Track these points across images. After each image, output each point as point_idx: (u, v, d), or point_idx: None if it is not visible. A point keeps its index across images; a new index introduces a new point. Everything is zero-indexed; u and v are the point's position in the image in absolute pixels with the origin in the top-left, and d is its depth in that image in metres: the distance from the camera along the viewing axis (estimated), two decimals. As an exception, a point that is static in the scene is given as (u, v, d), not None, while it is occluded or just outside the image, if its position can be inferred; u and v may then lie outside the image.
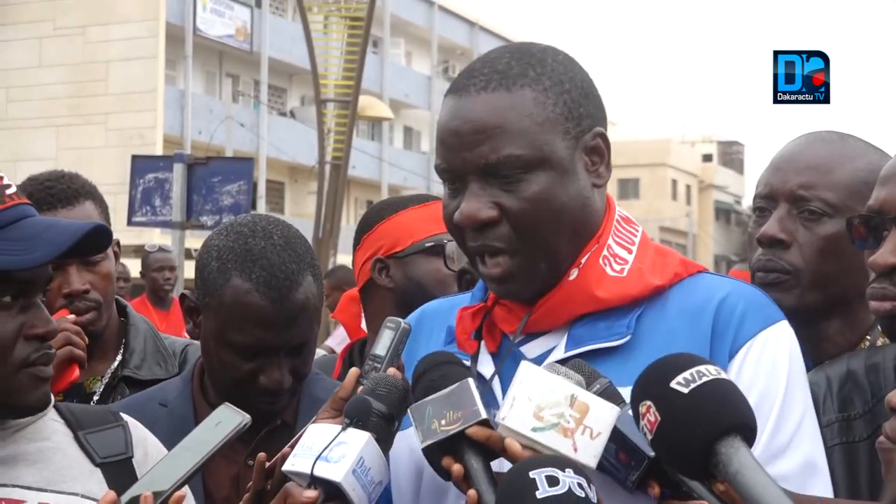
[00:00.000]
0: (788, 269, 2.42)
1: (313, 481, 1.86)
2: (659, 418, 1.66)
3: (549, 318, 2.01)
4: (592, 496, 1.69)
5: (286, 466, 1.92)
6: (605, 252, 2.00)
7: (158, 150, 28.88)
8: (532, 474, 1.68)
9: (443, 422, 1.83)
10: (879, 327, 2.47)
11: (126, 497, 1.93)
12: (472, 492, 1.78)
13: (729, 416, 1.64)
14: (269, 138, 36.03)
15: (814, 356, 2.44)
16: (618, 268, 2.00)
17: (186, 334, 8.09)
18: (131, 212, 11.73)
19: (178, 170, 11.45)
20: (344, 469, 1.84)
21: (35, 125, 31.01)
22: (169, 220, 11.62)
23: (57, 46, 31.55)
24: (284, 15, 40.21)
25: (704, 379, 1.66)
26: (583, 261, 1.99)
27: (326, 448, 1.86)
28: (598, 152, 2.01)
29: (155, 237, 21.61)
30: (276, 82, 39.56)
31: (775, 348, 1.95)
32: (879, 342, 2.44)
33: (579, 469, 1.71)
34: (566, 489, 1.67)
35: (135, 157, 12.66)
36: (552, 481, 1.67)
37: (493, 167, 1.94)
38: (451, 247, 3.11)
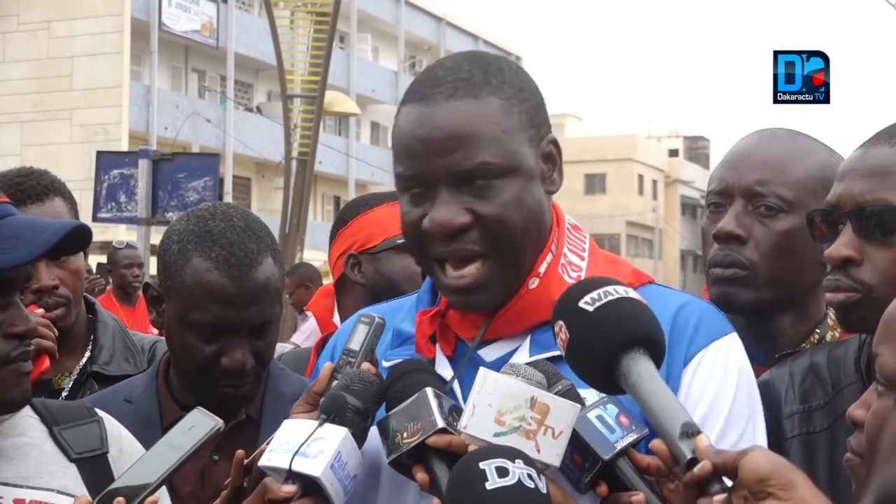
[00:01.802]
0: (745, 265, 2.46)
1: (291, 476, 1.88)
2: (568, 336, 1.74)
3: (508, 326, 2.02)
4: (542, 487, 1.72)
5: (262, 462, 1.94)
6: (562, 260, 2.03)
7: (124, 146, 28.74)
8: (482, 465, 1.71)
9: (405, 434, 1.85)
10: (829, 320, 2.53)
11: (97, 500, 1.95)
12: (435, 501, 1.81)
13: (629, 330, 1.72)
14: (235, 134, 35.91)
15: (767, 350, 2.49)
16: (574, 275, 2.02)
17: (151, 327, 8.10)
18: (96, 208, 11.69)
19: (144, 166, 11.43)
20: (322, 464, 1.86)
21: (-1, 121, 30.80)
22: (134, 216, 11.60)
23: (21, 42, 31.33)
24: (250, 10, 40.06)
25: (609, 298, 1.74)
26: (541, 269, 2.01)
27: (304, 443, 1.88)
28: (552, 159, 2.04)
29: (120, 233, 21.50)
30: (242, 78, 39.41)
31: (726, 358, 2.01)
32: (828, 335, 2.50)
33: (530, 460, 1.74)
34: (515, 480, 1.70)
35: (100, 153, 12.62)
36: (502, 472, 1.70)
37: (466, 174, 1.94)
38: None
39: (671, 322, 1.99)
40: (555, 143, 2.04)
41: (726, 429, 1.96)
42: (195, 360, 2.56)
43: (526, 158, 1.97)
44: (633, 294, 1.77)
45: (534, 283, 2.01)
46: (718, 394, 1.97)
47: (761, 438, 2.02)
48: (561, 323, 1.76)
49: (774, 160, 2.48)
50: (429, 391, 1.88)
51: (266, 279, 2.54)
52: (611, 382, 1.73)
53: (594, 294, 1.75)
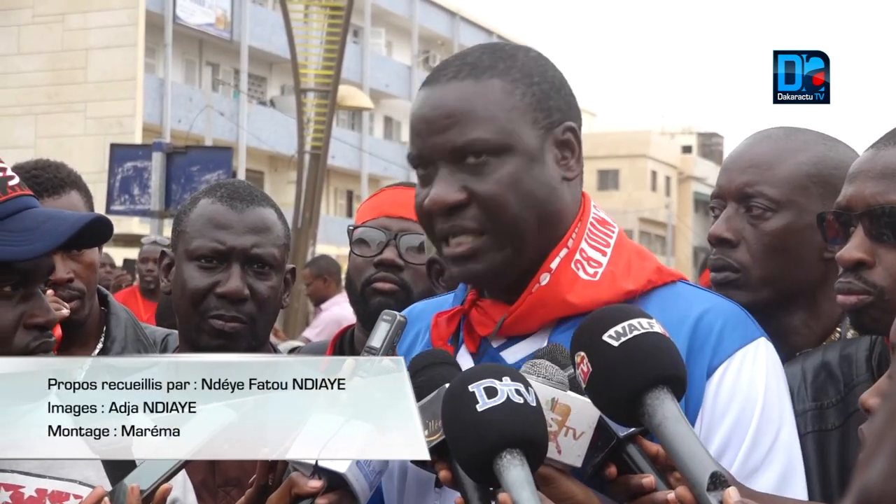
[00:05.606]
0: (736, 267, 2.48)
1: (317, 471, 1.89)
2: (591, 369, 1.73)
3: (522, 323, 2.02)
4: (531, 399, 1.72)
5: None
6: (577, 256, 2.01)
7: (137, 139, 28.79)
8: (471, 388, 1.72)
9: (426, 432, 1.84)
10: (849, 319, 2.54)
11: (113, 489, 1.97)
12: (458, 498, 1.82)
13: (655, 369, 1.70)
14: (248, 127, 35.95)
15: (781, 350, 2.49)
16: (591, 271, 2.01)
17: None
18: (110, 200, 11.74)
19: (157, 158, 11.47)
20: (348, 460, 1.88)
21: (14, 113, 30.85)
22: (147, 209, 11.64)
23: (36, 34, 31.39)
24: (265, 4, 40.08)
25: (635, 333, 1.72)
26: (553, 265, 2.00)
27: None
28: (569, 146, 2.02)
29: (133, 226, 21.55)
30: (256, 71, 39.45)
31: (753, 366, 1.97)
32: (849, 334, 2.48)
33: (516, 374, 1.75)
34: (504, 398, 1.70)
35: (113, 146, 12.67)
36: (490, 392, 1.71)
37: (460, 150, 1.96)
38: (359, 232, 3.11)
39: (692, 329, 1.97)
40: (572, 130, 2.02)
41: (757, 440, 1.94)
42: (191, 292, 2.63)
43: (525, 138, 1.97)
44: (657, 328, 1.75)
45: (544, 279, 2.00)
46: (745, 406, 1.94)
47: (794, 445, 1.99)
48: (583, 354, 1.75)
49: (761, 161, 2.49)
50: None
51: (268, 218, 2.69)
52: (633, 418, 1.72)
53: (619, 328, 1.73)
